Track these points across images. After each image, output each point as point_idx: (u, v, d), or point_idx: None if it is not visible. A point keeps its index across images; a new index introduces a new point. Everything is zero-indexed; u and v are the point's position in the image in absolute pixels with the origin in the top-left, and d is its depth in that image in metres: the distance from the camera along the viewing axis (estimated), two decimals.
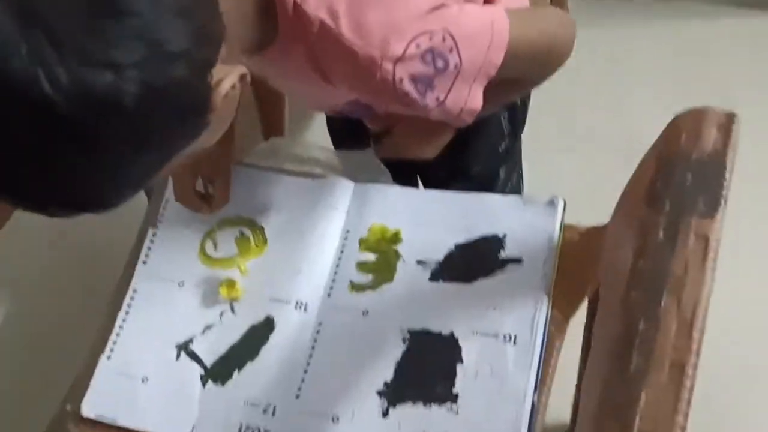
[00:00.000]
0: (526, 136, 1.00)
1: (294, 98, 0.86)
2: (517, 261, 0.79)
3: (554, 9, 0.79)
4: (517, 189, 1.05)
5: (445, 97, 0.67)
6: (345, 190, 0.89)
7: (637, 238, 0.53)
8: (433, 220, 0.85)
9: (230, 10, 0.54)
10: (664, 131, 0.58)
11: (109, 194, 0.51)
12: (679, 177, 0.53)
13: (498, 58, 0.67)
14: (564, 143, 1.54)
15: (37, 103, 0.43)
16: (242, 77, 0.57)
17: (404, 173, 0.95)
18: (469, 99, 0.68)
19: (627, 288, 0.50)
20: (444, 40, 0.64)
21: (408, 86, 0.65)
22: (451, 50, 0.65)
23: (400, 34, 0.63)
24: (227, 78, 0.54)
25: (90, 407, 0.81)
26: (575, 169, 1.48)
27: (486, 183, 0.96)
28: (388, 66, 0.63)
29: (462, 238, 0.83)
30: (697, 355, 0.45)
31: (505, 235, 0.81)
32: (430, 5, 0.64)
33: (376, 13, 0.62)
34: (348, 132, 1.00)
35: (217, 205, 0.88)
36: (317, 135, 1.13)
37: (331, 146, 1.08)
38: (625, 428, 0.43)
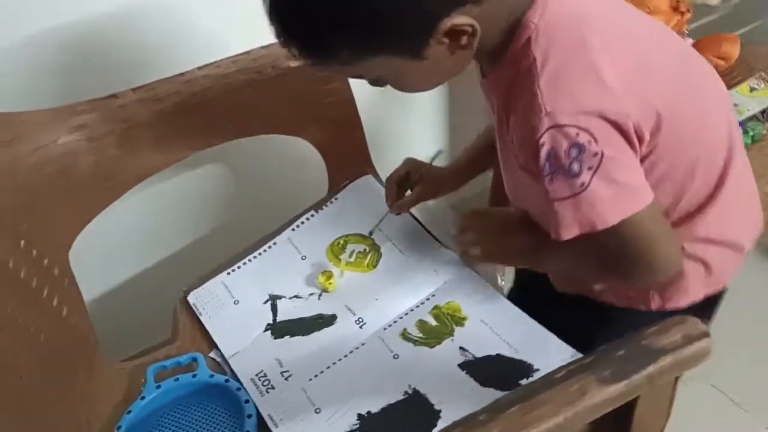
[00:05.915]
0: None
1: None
2: None
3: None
4: None
5: (554, 202, 0.69)
6: (453, 265, 1.02)
7: None
8: (496, 326, 0.94)
9: (489, 11, 0.67)
10: None
11: (325, 30, 0.66)
12: None
13: (613, 218, 0.68)
14: None
15: None
16: (473, 29, 0.67)
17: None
18: (566, 223, 0.70)
19: None
20: (594, 156, 0.67)
21: (543, 154, 0.68)
22: (590, 169, 0.67)
23: (575, 113, 0.67)
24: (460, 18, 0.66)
25: (193, 296, 1.06)
26: None
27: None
28: (546, 122, 0.67)
29: (507, 352, 0.91)
30: None
31: (537, 370, 0.87)
32: (612, 115, 0.67)
33: (570, 82, 0.68)
34: None
35: (397, 208, 1.04)
36: None
37: None
38: None
